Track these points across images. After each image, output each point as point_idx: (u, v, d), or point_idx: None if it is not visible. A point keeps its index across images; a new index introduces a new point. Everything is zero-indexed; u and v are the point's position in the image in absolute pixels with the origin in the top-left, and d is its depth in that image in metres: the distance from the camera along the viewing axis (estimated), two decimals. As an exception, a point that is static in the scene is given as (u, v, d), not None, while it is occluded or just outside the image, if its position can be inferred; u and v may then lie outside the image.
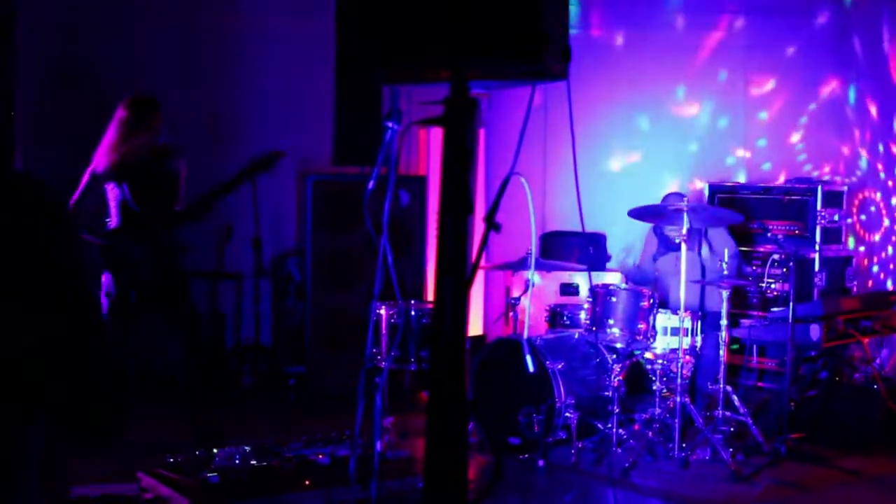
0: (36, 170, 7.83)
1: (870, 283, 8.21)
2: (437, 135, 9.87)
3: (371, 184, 3.71)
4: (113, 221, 6.75)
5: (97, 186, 6.71)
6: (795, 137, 8.47)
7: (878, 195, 8.11)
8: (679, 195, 7.54)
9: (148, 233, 6.70)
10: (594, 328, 6.89)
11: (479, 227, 3.11)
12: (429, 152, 9.41)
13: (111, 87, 8.20)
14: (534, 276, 6.90)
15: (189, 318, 6.86)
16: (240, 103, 8.49)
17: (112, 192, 6.71)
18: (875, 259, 8.19)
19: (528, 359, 6.54)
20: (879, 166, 8.11)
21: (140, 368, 7.07)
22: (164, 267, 6.76)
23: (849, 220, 8.05)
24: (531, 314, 7.61)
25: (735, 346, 7.52)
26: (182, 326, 6.81)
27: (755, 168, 8.61)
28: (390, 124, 3.54)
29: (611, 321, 6.81)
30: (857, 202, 8.19)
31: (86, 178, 6.68)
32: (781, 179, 8.18)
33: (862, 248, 8.21)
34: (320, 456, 5.98)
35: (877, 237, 8.11)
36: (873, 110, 8.11)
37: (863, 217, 8.20)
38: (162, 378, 7.21)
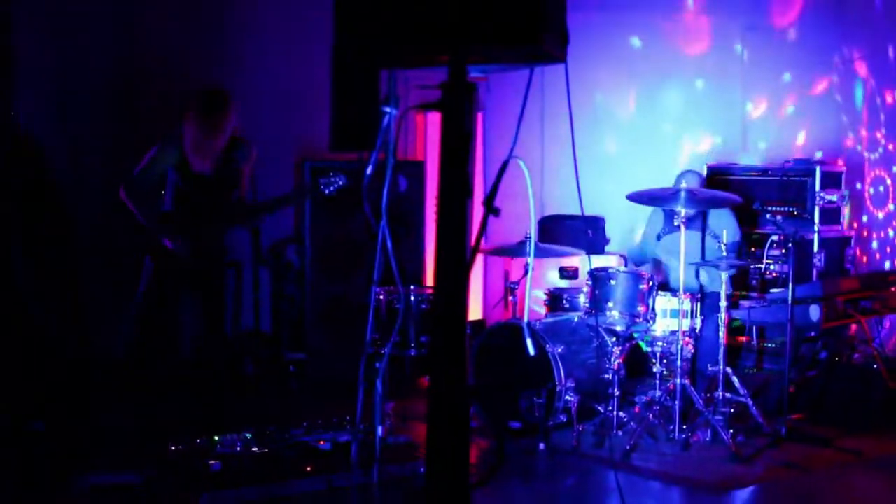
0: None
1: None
2: (434, 120, 9.89)
3: (369, 169, 3.71)
4: (166, 206, 6.73)
5: (156, 173, 6.61)
6: (795, 117, 8.46)
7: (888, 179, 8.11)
8: (695, 172, 7.52)
9: (197, 226, 6.68)
10: (594, 311, 6.89)
11: (478, 212, 3.11)
12: (426, 137, 9.40)
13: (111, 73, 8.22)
14: (530, 260, 6.89)
15: (221, 311, 6.84)
16: (237, 89, 8.44)
17: (171, 178, 6.65)
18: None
19: (529, 342, 6.55)
20: (878, 149, 8.10)
21: (151, 355, 7.06)
22: (205, 260, 6.73)
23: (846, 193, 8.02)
24: (531, 298, 7.62)
25: (737, 323, 7.51)
26: (213, 317, 6.80)
27: (753, 149, 8.60)
28: (388, 109, 3.54)
29: (610, 304, 6.81)
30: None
31: (147, 165, 6.58)
32: (780, 161, 8.17)
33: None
34: (321, 442, 5.99)
35: (880, 215, 8.11)
36: (874, 90, 8.10)
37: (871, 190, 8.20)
38: (173, 364, 7.22)
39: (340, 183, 6.73)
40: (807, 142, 8.38)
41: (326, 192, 6.76)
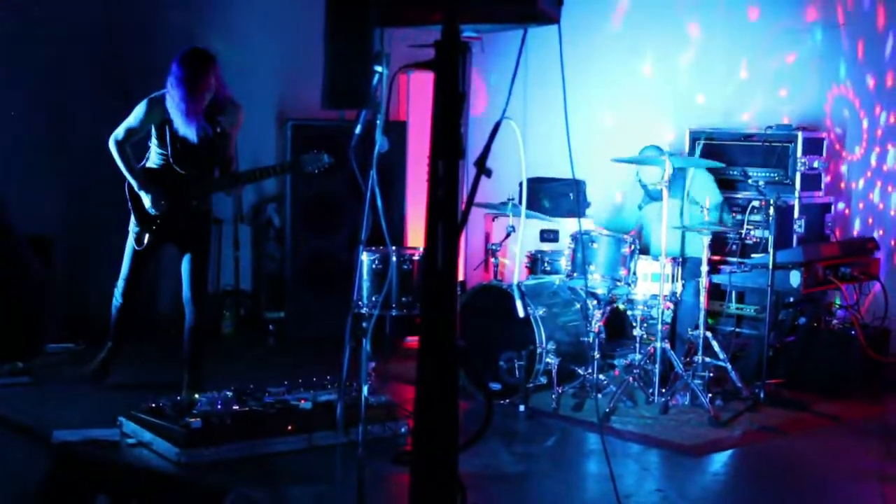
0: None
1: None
2: (418, 80, 9.81)
3: (359, 128, 3.69)
4: (149, 164, 6.70)
5: (142, 131, 6.59)
6: (779, 84, 8.44)
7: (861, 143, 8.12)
8: (656, 147, 7.55)
9: (180, 190, 6.65)
10: (575, 274, 6.90)
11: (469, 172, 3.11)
12: (408, 98, 9.35)
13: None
14: (521, 221, 6.88)
15: (203, 266, 6.83)
16: (219, 45, 8.37)
17: (154, 137, 6.63)
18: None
19: (518, 304, 6.55)
20: (861, 114, 8.10)
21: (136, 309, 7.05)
22: (188, 217, 6.71)
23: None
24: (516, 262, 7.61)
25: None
26: (196, 271, 6.79)
27: (736, 113, 8.59)
28: (378, 68, 3.51)
29: (592, 267, 6.82)
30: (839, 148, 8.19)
31: (134, 120, 6.56)
32: (762, 126, 8.16)
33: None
34: (302, 401, 5.99)
35: (860, 184, 8.13)
36: (859, 55, 8.09)
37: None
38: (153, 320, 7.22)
39: (325, 161, 6.70)
40: (790, 106, 8.36)
41: (308, 169, 6.73)
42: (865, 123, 8.08)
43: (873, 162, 8.05)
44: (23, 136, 7.98)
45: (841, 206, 8.15)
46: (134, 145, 6.61)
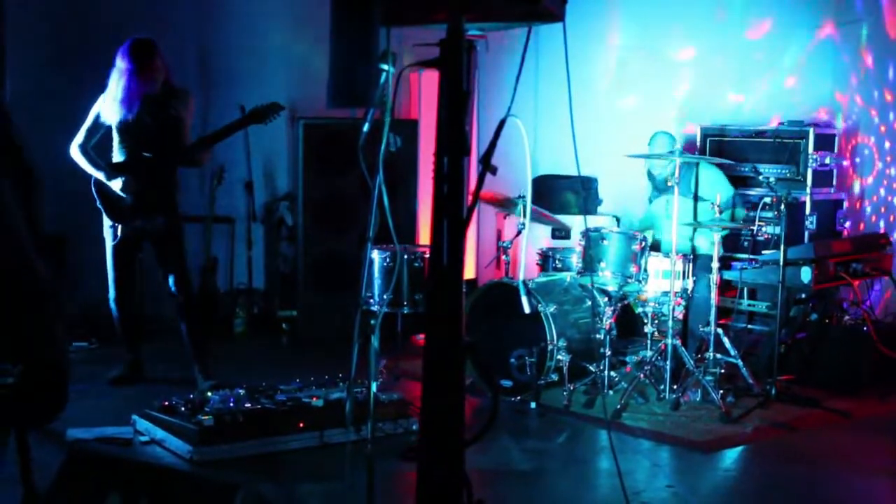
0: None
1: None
2: (428, 79, 9.84)
3: (367, 127, 3.71)
4: (115, 158, 6.80)
5: (101, 128, 6.74)
6: (789, 80, 8.43)
7: (872, 139, 8.10)
8: (666, 133, 7.56)
9: (147, 174, 6.71)
10: (586, 271, 6.91)
11: (474, 170, 3.12)
12: (420, 96, 9.37)
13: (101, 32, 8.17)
14: (528, 218, 6.89)
15: (181, 257, 6.87)
16: (232, 45, 8.44)
17: (113, 130, 6.74)
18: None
19: (524, 300, 6.56)
20: (872, 112, 8.09)
21: (140, 311, 7.09)
22: (158, 207, 6.76)
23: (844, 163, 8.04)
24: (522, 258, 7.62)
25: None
26: (175, 264, 6.84)
27: (747, 111, 8.59)
28: (385, 67, 3.53)
29: (603, 264, 6.83)
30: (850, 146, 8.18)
31: (90, 120, 6.73)
32: (774, 122, 8.16)
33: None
34: (314, 398, 6.01)
35: (869, 180, 8.12)
36: (868, 56, 8.08)
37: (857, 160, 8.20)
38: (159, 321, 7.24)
39: (277, 109, 6.76)
40: (802, 104, 8.34)
41: (261, 120, 6.81)
42: (877, 120, 8.06)
43: (888, 157, 8.03)
44: (34, 132, 7.98)
45: (852, 202, 8.14)
46: (97, 150, 6.72)
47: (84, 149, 6.74)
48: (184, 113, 6.80)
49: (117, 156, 6.79)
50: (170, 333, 7.99)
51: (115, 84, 6.63)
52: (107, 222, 6.82)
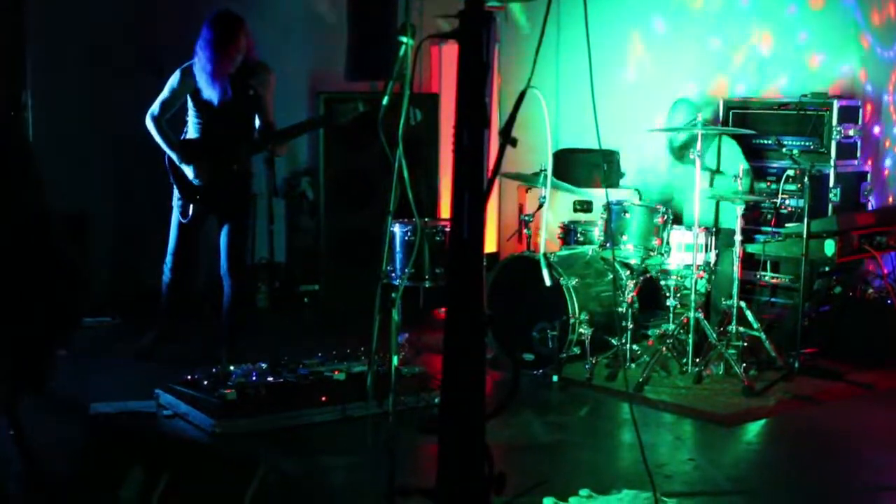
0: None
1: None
2: (449, 52, 9.81)
3: (385, 100, 3.70)
4: (189, 135, 6.75)
5: (177, 102, 6.66)
6: (813, 50, 8.34)
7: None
8: (686, 101, 7.53)
9: (222, 157, 6.67)
10: (608, 244, 6.89)
11: (494, 143, 3.10)
12: (440, 69, 9.34)
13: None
14: (549, 191, 6.87)
15: (243, 240, 6.88)
16: (252, 18, 8.37)
17: (190, 106, 6.67)
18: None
19: (545, 273, 6.56)
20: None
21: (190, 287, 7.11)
22: (230, 184, 6.75)
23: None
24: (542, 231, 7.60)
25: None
26: (236, 246, 6.84)
27: (770, 81, 8.51)
28: (404, 39, 3.51)
29: (625, 237, 6.81)
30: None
31: (167, 92, 6.63)
32: (796, 95, 8.08)
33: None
34: (336, 372, 6.03)
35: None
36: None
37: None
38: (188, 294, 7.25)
39: (359, 109, 6.65)
40: (826, 73, 8.24)
41: (343, 119, 6.74)
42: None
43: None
44: (61, 114, 8.02)
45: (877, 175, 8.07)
46: (171, 122, 6.65)
47: (159, 122, 6.62)
48: (263, 91, 6.66)
49: (191, 132, 6.71)
50: (200, 308, 8.04)
51: (200, 56, 6.51)
52: (176, 196, 6.75)
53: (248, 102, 6.62)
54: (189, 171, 6.61)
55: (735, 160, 7.27)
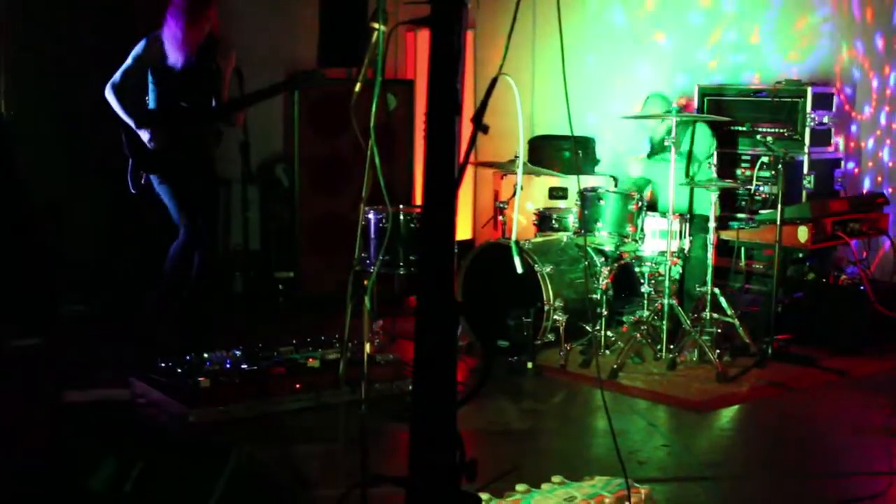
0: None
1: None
2: (424, 38, 9.80)
3: (357, 86, 3.68)
4: (150, 105, 6.68)
5: (140, 71, 6.60)
6: (788, 38, 8.36)
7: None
8: (660, 95, 7.56)
9: (175, 125, 6.62)
10: (582, 231, 6.90)
11: (466, 129, 3.09)
12: (416, 56, 9.32)
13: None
14: (519, 177, 6.87)
15: (213, 212, 6.87)
16: (222, 3, 8.33)
17: (153, 75, 6.62)
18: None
19: (517, 260, 6.55)
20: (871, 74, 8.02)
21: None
22: (189, 159, 6.71)
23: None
24: (519, 218, 7.62)
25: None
26: (207, 210, 6.82)
27: (743, 68, 8.53)
28: (376, 25, 3.50)
29: (599, 224, 6.81)
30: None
31: (130, 61, 6.59)
32: (771, 81, 8.10)
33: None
34: (310, 360, 6.02)
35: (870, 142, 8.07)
36: (868, 13, 8.01)
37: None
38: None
39: (320, 75, 6.63)
40: (800, 61, 8.26)
41: (303, 85, 6.74)
42: (875, 83, 8.00)
43: (883, 121, 7.98)
44: (32, 105, 7.96)
45: (851, 165, 8.09)
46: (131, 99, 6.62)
47: (119, 90, 6.56)
48: (223, 65, 6.69)
49: (151, 102, 6.66)
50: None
51: (171, 23, 6.50)
52: (132, 168, 6.69)
53: (209, 75, 6.64)
54: (144, 135, 6.56)
55: (704, 145, 7.29)
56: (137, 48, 6.61)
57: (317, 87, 8.36)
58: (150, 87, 6.64)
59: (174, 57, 6.52)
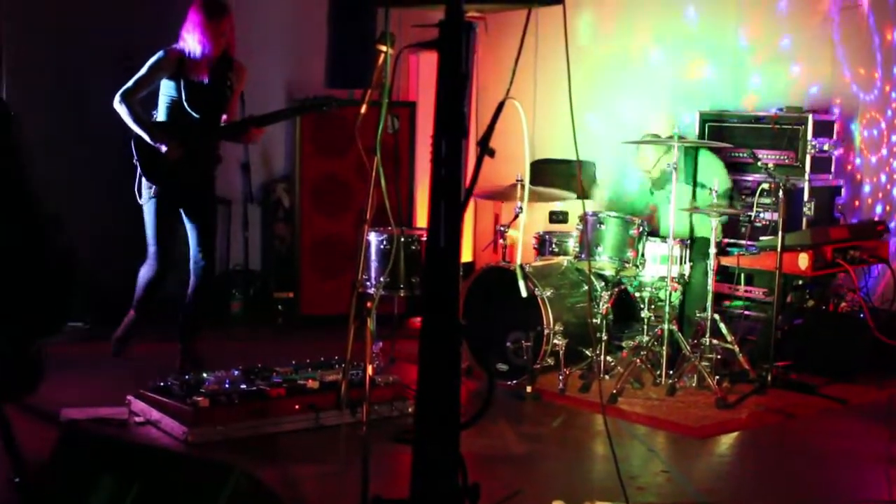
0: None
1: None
2: (426, 61, 9.82)
3: (363, 108, 3.69)
4: (159, 117, 6.69)
5: (154, 83, 6.59)
6: (789, 63, 8.37)
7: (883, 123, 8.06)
8: (655, 136, 7.57)
9: (190, 138, 6.62)
10: (583, 255, 6.90)
11: (472, 153, 3.10)
12: (418, 78, 9.34)
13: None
14: (525, 202, 6.88)
15: (212, 235, 6.86)
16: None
17: (167, 88, 6.62)
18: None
19: (521, 284, 6.56)
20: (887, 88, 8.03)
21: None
22: (197, 173, 6.72)
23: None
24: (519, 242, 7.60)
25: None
26: (207, 230, 6.82)
27: (746, 95, 8.54)
28: (384, 48, 3.51)
29: (600, 249, 6.81)
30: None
31: (145, 71, 6.55)
32: (772, 108, 8.11)
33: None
34: (309, 381, 6.01)
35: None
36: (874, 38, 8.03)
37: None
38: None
39: (333, 101, 6.64)
40: (802, 87, 8.27)
41: (316, 110, 6.74)
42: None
43: (884, 150, 7.99)
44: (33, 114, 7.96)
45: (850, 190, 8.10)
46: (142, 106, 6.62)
47: (130, 101, 6.48)
48: (237, 86, 6.75)
49: (161, 114, 6.65)
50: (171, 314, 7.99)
51: (190, 38, 6.51)
52: (145, 184, 6.66)
53: (223, 92, 6.66)
54: (162, 148, 6.52)
55: (716, 175, 7.27)
56: (155, 59, 6.55)
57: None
58: (163, 102, 6.64)
59: (197, 71, 6.54)
